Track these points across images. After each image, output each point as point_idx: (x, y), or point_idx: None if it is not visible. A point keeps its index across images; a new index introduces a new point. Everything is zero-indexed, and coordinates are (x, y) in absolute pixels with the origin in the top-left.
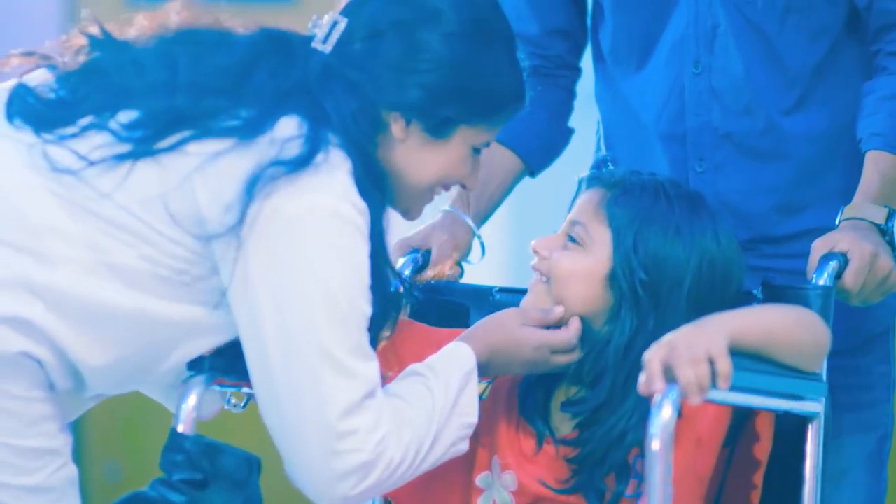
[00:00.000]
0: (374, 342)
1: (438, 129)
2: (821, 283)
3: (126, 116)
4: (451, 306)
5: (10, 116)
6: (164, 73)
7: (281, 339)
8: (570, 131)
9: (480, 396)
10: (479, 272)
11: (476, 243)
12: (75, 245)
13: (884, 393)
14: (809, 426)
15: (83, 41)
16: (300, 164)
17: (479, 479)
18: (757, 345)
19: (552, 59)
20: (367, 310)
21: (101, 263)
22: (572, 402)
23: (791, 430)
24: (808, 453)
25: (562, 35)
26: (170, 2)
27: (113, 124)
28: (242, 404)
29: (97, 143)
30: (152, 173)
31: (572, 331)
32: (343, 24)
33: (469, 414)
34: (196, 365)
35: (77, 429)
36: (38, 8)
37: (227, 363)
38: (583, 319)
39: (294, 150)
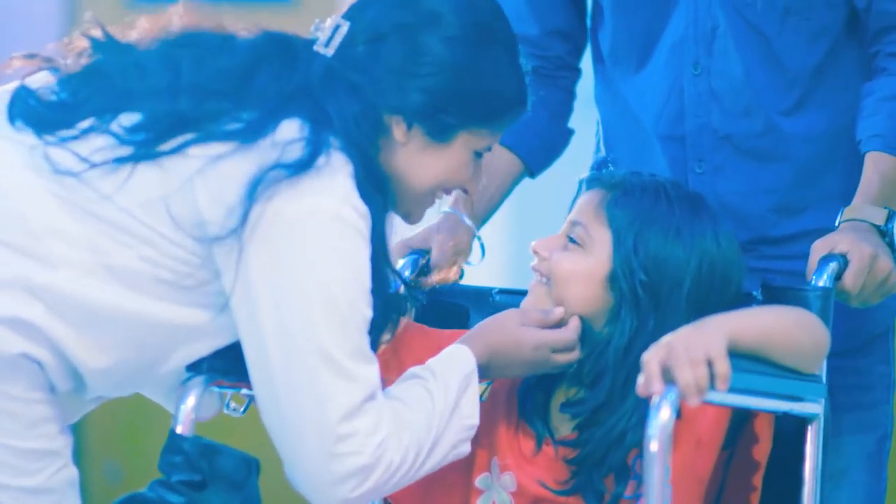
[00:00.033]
0: (374, 345)
1: (440, 132)
2: (820, 284)
3: (128, 119)
4: (450, 307)
5: (12, 118)
6: (166, 76)
7: (281, 341)
8: (570, 132)
9: (480, 398)
10: (479, 273)
11: (476, 244)
12: (76, 246)
13: (883, 393)
14: (809, 427)
15: (85, 44)
16: (302, 167)
17: (479, 481)
18: (755, 346)
19: (552, 59)
20: (367, 313)
21: (101, 265)
22: (572, 402)
23: (790, 431)
24: (808, 454)
25: (561, 36)
26: (171, 5)
27: (114, 127)
28: (242, 410)
29: (98, 146)
30: (153, 176)
31: (572, 329)
32: (345, 27)
33: (470, 416)
34: (194, 366)
35: (77, 430)
36: (37, 8)
37: (225, 364)
38: (583, 320)
39: (295, 153)
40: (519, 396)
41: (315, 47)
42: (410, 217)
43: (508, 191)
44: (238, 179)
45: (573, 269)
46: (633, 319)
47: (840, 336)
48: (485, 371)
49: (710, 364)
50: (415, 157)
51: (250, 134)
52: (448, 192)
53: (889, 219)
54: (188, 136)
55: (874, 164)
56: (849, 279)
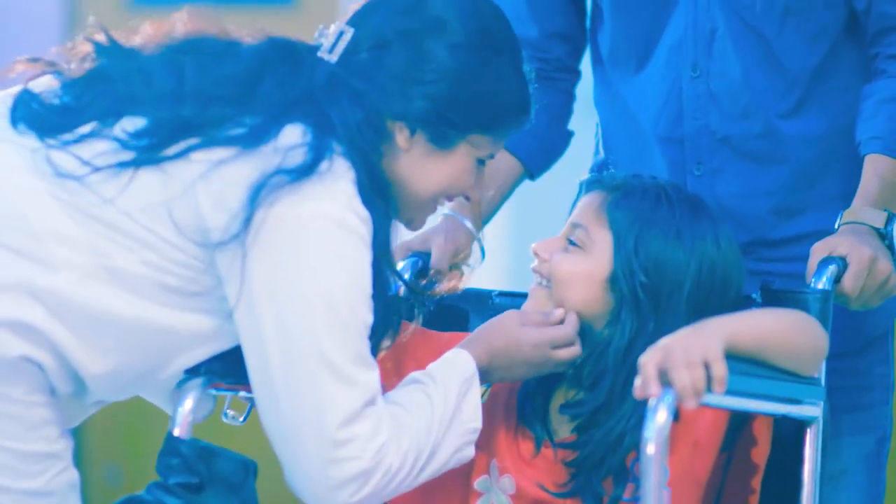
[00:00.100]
0: (374, 350)
1: (443, 139)
2: (820, 286)
3: (131, 123)
4: (450, 310)
5: (15, 122)
6: (170, 82)
7: (282, 345)
8: (570, 134)
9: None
10: (479, 276)
11: (476, 247)
12: (77, 249)
13: (883, 395)
14: (807, 430)
15: (89, 48)
16: (304, 172)
17: (478, 483)
18: (753, 349)
19: (552, 62)
20: (368, 318)
21: (102, 268)
22: (571, 404)
23: (789, 434)
24: (807, 457)
25: (561, 38)
26: (174, 9)
27: (117, 131)
28: (242, 419)
29: (101, 150)
30: (155, 180)
31: (570, 324)
32: (349, 33)
33: (472, 419)
34: (192, 369)
35: (77, 432)
36: (37, 8)
37: (223, 367)
38: (583, 322)
39: (298, 158)
40: (518, 399)
41: (319, 53)
42: (412, 223)
43: (508, 193)
44: (240, 184)
45: (574, 270)
46: (633, 321)
47: (839, 337)
48: (487, 374)
49: (707, 367)
50: (417, 164)
51: (253, 139)
52: (450, 198)
53: (888, 221)
54: (191, 142)
55: (873, 167)
56: (848, 282)
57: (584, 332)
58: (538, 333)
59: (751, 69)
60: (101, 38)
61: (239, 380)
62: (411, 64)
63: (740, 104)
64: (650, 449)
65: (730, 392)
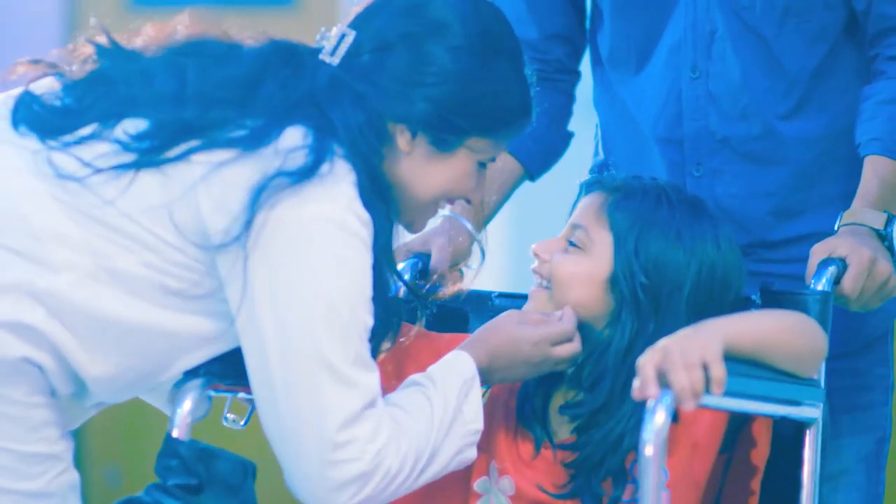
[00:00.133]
0: (375, 352)
1: (444, 142)
2: (819, 288)
3: (132, 125)
4: (450, 311)
5: (16, 123)
6: (171, 84)
7: (282, 347)
8: (570, 135)
9: None
10: (479, 277)
11: (476, 248)
12: (78, 251)
13: (882, 395)
14: (807, 431)
15: (90, 50)
16: (305, 174)
17: (477, 484)
18: (752, 350)
19: (551, 63)
20: (368, 320)
21: (103, 269)
22: (570, 404)
23: (789, 435)
24: (806, 459)
25: (561, 39)
26: (174, 10)
27: (118, 133)
28: (243, 422)
29: (102, 152)
30: (156, 182)
31: (567, 319)
32: (351, 36)
33: (474, 421)
34: (190, 370)
35: (77, 433)
36: (37, 8)
37: (222, 368)
38: (583, 322)
39: (299, 160)
40: (518, 400)
41: (321, 56)
42: (413, 226)
43: (508, 194)
44: (241, 187)
45: (574, 271)
46: (633, 322)
47: (839, 338)
48: (487, 375)
49: (705, 368)
50: (418, 167)
51: (254, 141)
52: (451, 201)
53: (888, 223)
54: (193, 144)
55: (873, 168)
56: (848, 283)
57: (585, 332)
58: (537, 331)
59: (750, 70)
60: (102, 39)
61: (238, 381)
62: (413, 66)
63: (740, 105)
64: (648, 450)
65: (728, 393)
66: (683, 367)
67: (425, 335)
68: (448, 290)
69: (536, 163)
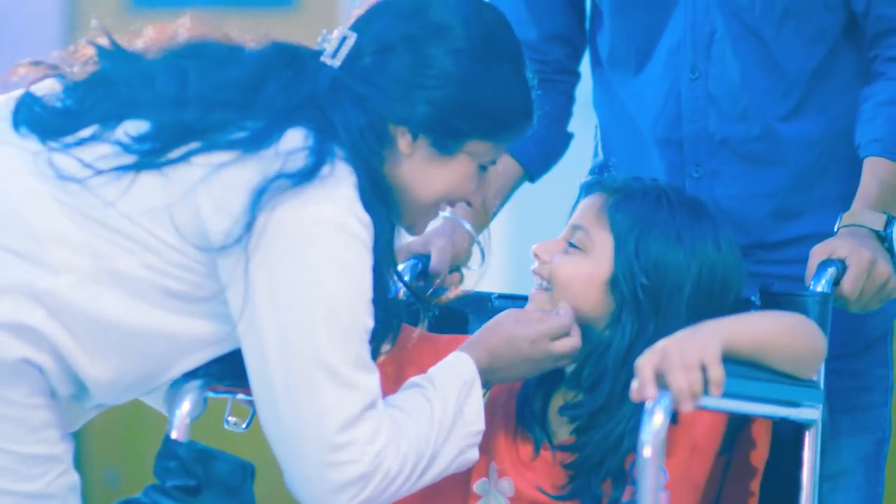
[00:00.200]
0: (375, 354)
1: (445, 144)
2: (819, 289)
3: (133, 127)
4: (449, 313)
5: (17, 124)
6: (173, 86)
7: (282, 349)
8: (570, 136)
9: None
10: (479, 278)
11: (476, 249)
12: (78, 252)
13: (881, 396)
14: (806, 433)
15: (91, 52)
16: (305, 176)
17: (477, 486)
18: (751, 352)
19: (551, 64)
20: (368, 322)
21: (103, 271)
22: (570, 405)
23: (788, 436)
24: (805, 460)
25: (561, 40)
26: (174, 11)
27: (119, 135)
28: (245, 425)
29: (102, 153)
30: (156, 184)
31: (565, 314)
32: (352, 39)
33: (475, 422)
34: (190, 371)
35: (77, 435)
36: (37, 9)
37: (221, 369)
38: (583, 323)
39: (299, 162)
40: (517, 401)
41: (322, 58)
42: (414, 228)
43: (508, 195)
44: (241, 188)
45: (574, 272)
46: (633, 323)
47: (839, 339)
48: (488, 375)
49: (704, 370)
50: (419, 169)
51: (254, 143)
52: (452, 204)
53: (888, 224)
54: (193, 146)
55: (873, 169)
56: (847, 284)
57: (585, 333)
58: (535, 329)
59: (749, 71)
60: (103, 41)
61: (236, 382)
62: (414, 69)
63: (739, 106)
64: (646, 451)
65: (727, 395)
66: (682, 368)
67: (425, 337)
68: (451, 294)
69: (536, 164)
